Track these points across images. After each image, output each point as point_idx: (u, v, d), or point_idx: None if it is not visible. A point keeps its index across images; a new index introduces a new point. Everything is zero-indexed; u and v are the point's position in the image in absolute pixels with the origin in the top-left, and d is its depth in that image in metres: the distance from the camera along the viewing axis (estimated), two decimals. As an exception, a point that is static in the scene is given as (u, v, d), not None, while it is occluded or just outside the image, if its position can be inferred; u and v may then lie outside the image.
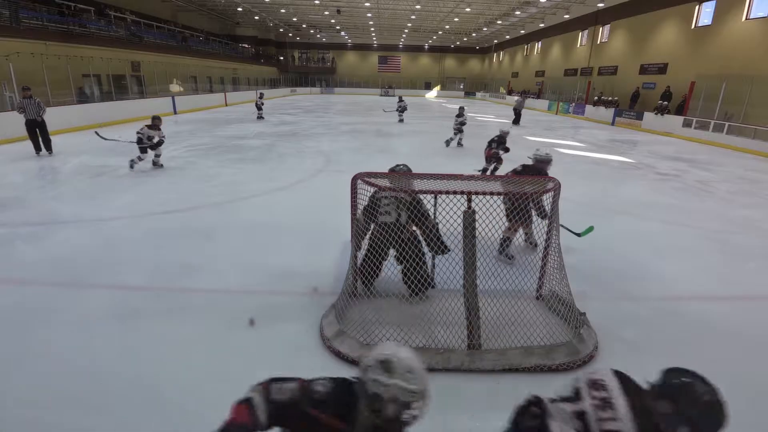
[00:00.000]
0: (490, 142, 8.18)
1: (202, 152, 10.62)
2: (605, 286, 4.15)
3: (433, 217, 3.53)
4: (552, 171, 4.77)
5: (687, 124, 16.40)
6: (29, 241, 4.91)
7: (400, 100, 19.15)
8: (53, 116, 11.15)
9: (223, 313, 3.53)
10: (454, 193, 3.01)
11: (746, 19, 16.08)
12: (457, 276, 3.14)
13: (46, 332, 3.20)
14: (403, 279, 3.65)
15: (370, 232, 3.62)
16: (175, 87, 20.71)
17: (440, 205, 3.37)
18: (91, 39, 18.35)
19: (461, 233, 3.02)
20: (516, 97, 22.90)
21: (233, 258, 4.57)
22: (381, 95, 45.77)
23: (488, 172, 8.04)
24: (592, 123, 22.04)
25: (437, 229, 3.54)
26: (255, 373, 2.81)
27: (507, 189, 3.42)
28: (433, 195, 3.29)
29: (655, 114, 18.24)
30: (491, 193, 3.06)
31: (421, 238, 3.62)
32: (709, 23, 17.85)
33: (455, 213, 3.14)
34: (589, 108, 23.84)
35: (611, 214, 6.49)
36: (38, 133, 9.59)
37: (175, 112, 20.22)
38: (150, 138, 8.10)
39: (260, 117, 18.53)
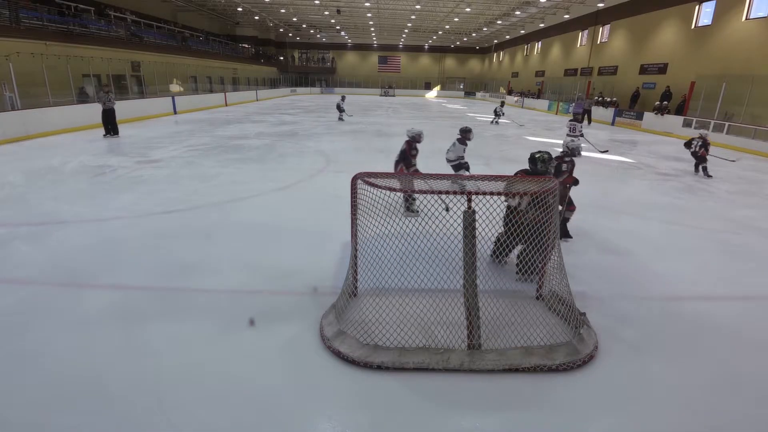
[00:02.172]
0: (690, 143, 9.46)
1: (202, 152, 10.62)
2: (605, 286, 4.14)
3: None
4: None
5: (687, 124, 16.39)
6: (29, 241, 4.91)
7: (501, 105, 21.03)
8: (53, 116, 11.20)
9: (223, 313, 3.52)
10: (454, 193, 3.01)
11: (746, 19, 16.08)
12: (457, 276, 3.14)
13: (46, 332, 3.20)
14: (516, 261, 4.00)
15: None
16: (175, 87, 20.75)
17: (441, 205, 3.37)
18: (91, 39, 18.35)
19: (461, 233, 3.02)
20: (586, 99, 23.03)
21: (233, 258, 4.57)
22: (381, 95, 45.82)
23: (701, 172, 9.38)
24: (592, 123, 22.02)
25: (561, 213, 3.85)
26: (255, 373, 2.84)
27: (507, 189, 3.42)
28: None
29: (655, 114, 18.24)
30: (491, 194, 3.06)
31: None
32: (709, 23, 17.86)
33: (455, 213, 3.13)
34: (589, 108, 23.83)
35: (611, 213, 6.49)
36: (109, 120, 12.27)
37: (175, 112, 20.24)
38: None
39: (341, 119, 18.88)
